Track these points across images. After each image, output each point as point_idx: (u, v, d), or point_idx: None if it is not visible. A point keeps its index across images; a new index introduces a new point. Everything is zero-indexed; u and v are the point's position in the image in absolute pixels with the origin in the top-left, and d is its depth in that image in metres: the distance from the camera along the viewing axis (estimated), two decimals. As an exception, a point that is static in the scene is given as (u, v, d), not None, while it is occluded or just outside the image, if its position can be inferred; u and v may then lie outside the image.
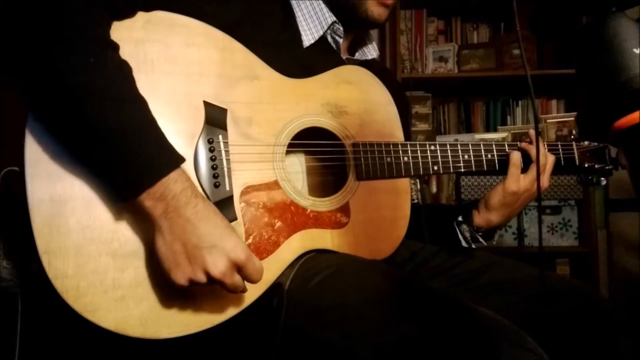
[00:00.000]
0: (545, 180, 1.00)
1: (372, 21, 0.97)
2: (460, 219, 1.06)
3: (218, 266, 0.67)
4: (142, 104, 0.68)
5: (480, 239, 1.05)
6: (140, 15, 0.73)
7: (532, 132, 1.03)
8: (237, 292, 0.71)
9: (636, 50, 0.47)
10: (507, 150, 1.02)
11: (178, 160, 0.68)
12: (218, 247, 0.68)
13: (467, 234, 1.04)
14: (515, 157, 0.99)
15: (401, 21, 2.54)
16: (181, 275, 0.67)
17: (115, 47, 0.68)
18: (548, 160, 1.00)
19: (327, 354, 0.70)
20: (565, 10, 0.54)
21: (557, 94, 2.56)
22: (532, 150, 0.98)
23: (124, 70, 0.68)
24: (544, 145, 1.04)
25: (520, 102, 2.57)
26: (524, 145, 1.01)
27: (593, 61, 0.49)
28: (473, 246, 1.05)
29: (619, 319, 0.96)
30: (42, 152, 0.67)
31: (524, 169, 0.99)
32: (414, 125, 2.47)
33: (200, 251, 0.67)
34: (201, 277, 0.67)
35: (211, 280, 0.68)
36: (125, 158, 0.65)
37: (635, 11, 0.53)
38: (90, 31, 0.65)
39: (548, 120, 2.38)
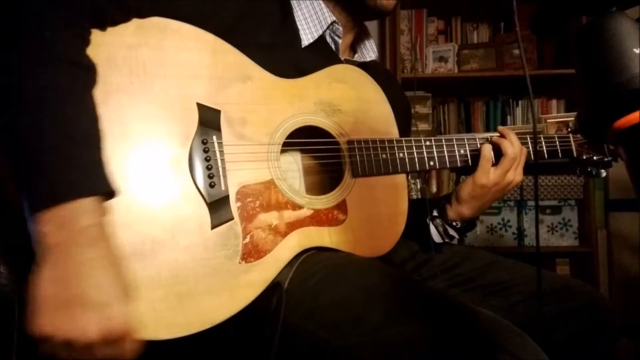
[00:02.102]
0: (517, 174, 1.00)
1: (380, 11, 0.96)
2: (435, 213, 1.06)
3: (93, 330, 0.57)
4: (89, 120, 0.64)
5: (452, 232, 1.05)
6: (133, 21, 0.74)
7: (500, 127, 1.02)
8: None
9: (636, 50, 0.47)
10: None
11: (106, 188, 0.62)
12: (102, 308, 0.58)
13: (441, 229, 1.04)
14: (486, 150, 0.98)
15: (401, 21, 2.54)
16: (46, 324, 0.56)
17: (78, 63, 0.66)
18: (521, 153, 1.00)
19: (326, 354, 0.70)
20: (565, 10, 0.54)
21: (557, 94, 2.56)
22: (503, 143, 0.98)
23: (78, 85, 0.65)
24: (515, 137, 1.01)
25: (520, 102, 2.57)
26: (495, 139, 1.00)
27: (593, 61, 0.49)
28: (446, 240, 1.05)
29: (619, 319, 0.96)
30: None
31: (495, 163, 0.99)
32: (414, 125, 2.48)
33: (83, 306, 0.57)
34: (60, 335, 0.56)
35: (76, 344, 0.57)
36: (49, 168, 0.59)
37: (635, 11, 0.53)
38: (51, 47, 0.63)
39: (548, 120, 2.38)
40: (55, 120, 0.61)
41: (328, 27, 0.95)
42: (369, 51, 1.06)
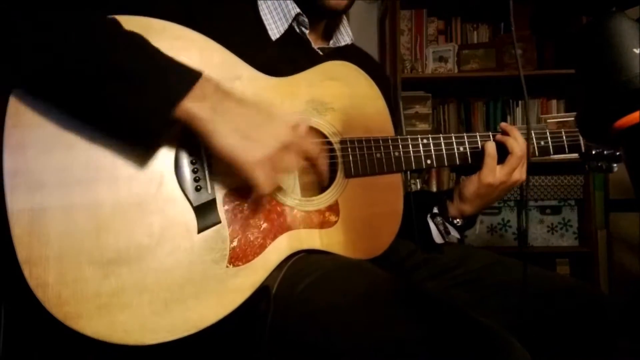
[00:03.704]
0: (523, 172, 0.98)
1: (329, 10, 0.95)
2: (435, 210, 1.04)
3: (285, 132, 0.73)
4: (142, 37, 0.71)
5: (454, 231, 1.03)
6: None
7: (503, 124, 1.00)
8: (311, 152, 0.77)
9: (636, 50, 0.47)
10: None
11: (199, 71, 0.71)
12: (275, 119, 0.73)
13: (441, 227, 1.02)
14: (490, 147, 0.96)
15: (401, 21, 2.54)
16: (254, 154, 0.70)
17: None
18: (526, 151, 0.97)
19: (316, 359, 0.69)
20: (565, 10, 0.54)
21: (557, 94, 2.56)
22: (509, 141, 0.96)
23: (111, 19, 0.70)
24: (520, 135, 0.99)
25: (520, 102, 2.57)
26: (499, 137, 0.98)
27: (593, 61, 0.49)
28: (446, 239, 1.03)
29: (619, 318, 0.95)
30: (20, 163, 0.66)
31: (500, 161, 0.96)
32: (414, 125, 2.48)
33: (264, 126, 0.72)
34: (274, 147, 0.71)
35: (284, 148, 0.72)
36: (156, 78, 0.67)
37: (635, 11, 0.53)
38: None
39: (548, 120, 2.38)
40: (131, 39, 0.69)
41: (294, 20, 0.93)
42: (344, 35, 1.04)
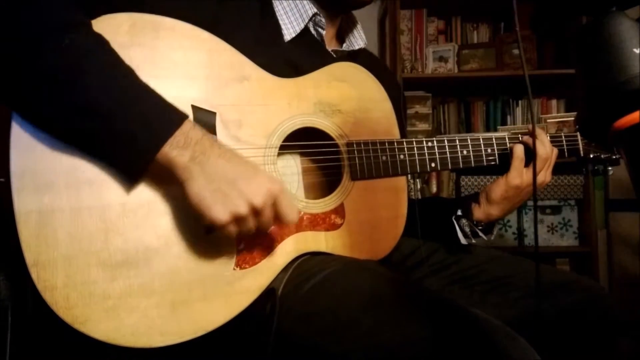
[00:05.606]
0: (547, 175, 1.00)
1: (353, 3, 0.96)
2: (459, 213, 1.04)
3: (259, 194, 0.69)
4: (130, 69, 0.69)
5: (481, 234, 1.04)
6: (126, 19, 0.73)
7: (530, 126, 1.02)
8: (267, 228, 0.73)
9: (636, 50, 0.47)
10: (507, 144, 1.01)
11: (185, 114, 0.71)
12: (254, 178, 0.70)
13: (467, 229, 1.03)
14: (519, 149, 0.97)
15: (401, 21, 2.54)
16: (223, 211, 0.67)
17: (87, 23, 0.69)
18: (552, 153, 1.00)
19: (321, 359, 0.69)
20: (565, 10, 0.54)
21: (557, 94, 2.56)
22: (536, 143, 0.97)
23: (102, 42, 0.68)
24: (548, 138, 1.02)
25: (520, 102, 2.57)
26: (526, 138, 0.99)
27: (593, 61, 0.49)
28: (473, 241, 1.04)
29: (619, 314, 0.95)
30: (28, 163, 0.66)
31: (527, 163, 0.98)
32: (414, 125, 2.47)
33: (239, 183, 0.69)
34: (243, 209, 0.68)
35: (253, 211, 0.69)
36: (138, 118, 0.66)
37: (635, 11, 0.53)
38: (57, 15, 0.66)
39: (548, 120, 2.38)
40: (113, 77, 0.67)
41: (310, 19, 0.93)
42: (357, 39, 1.04)
